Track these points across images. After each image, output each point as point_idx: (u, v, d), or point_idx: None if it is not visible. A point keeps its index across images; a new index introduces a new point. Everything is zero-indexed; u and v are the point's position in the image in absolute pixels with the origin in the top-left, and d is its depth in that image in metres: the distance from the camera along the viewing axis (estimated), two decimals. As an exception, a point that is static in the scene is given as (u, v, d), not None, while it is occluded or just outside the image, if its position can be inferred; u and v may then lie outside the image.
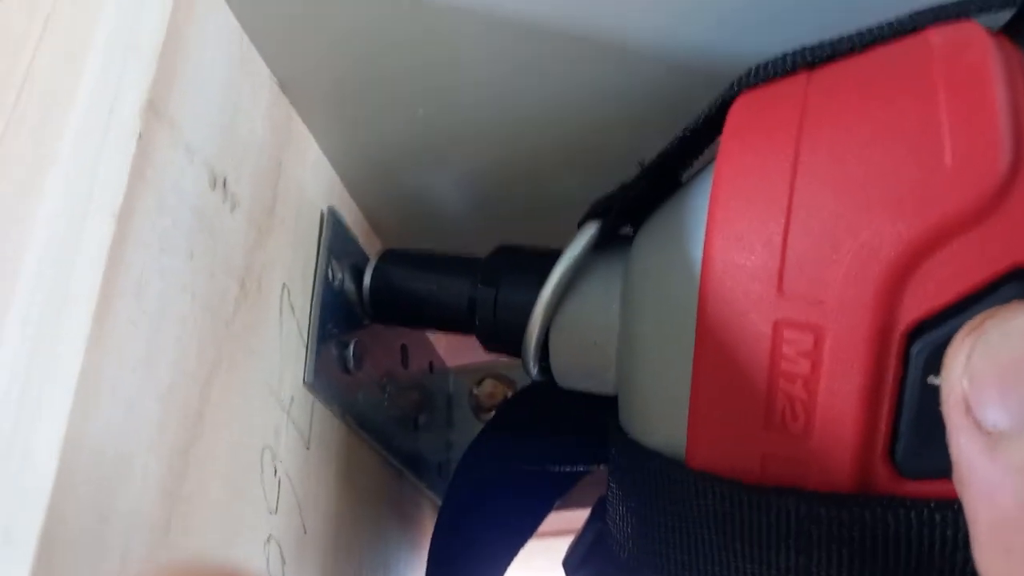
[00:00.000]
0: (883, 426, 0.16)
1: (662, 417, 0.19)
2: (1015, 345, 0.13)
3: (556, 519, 0.29)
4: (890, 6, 0.17)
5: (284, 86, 0.22)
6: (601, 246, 0.21)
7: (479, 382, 0.32)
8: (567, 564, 0.24)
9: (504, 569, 0.26)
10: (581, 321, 0.22)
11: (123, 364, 0.14)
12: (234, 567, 0.16)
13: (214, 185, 0.18)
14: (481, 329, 0.23)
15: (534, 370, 0.23)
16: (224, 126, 0.19)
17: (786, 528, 0.17)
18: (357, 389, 0.24)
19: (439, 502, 0.30)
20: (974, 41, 0.15)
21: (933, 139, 0.15)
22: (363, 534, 0.24)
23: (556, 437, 0.26)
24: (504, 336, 0.23)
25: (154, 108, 0.16)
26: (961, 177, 0.14)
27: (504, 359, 0.33)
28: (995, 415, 0.13)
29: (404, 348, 0.28)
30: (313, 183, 0.24)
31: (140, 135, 0.15)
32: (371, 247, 0.26)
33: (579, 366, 0.22)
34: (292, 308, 0.21)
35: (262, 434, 0.18)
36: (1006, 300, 0.14)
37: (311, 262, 0.22)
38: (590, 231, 0.21)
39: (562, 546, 0.25)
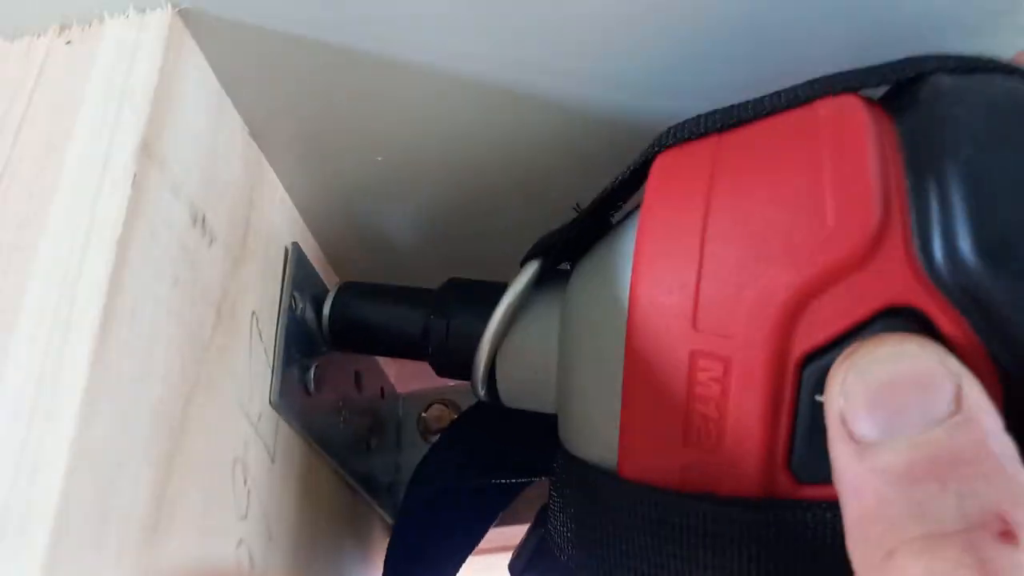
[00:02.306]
0: (782, 440, 0.18)
1: (597, 433, 0.21)
2: (881, 369, 0.16)
3: (498, 536, 0.31)
4: (787, 78, 0.20)
5: (254, 134, 0.24)
6: (542, 281, 0.24)
7: (427, 407, 0.34)
8: (512, 567, 0.26)
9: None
10: (524, 349, 0.24)
11: (121, 380, 0.16)
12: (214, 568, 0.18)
13: (195, 221, 0.20)
14: (434, 356, 0.25)
15: (482, 393, 0.25)
16: (204, 168, 0.21)
17: (703, 529, 0.19)
18: (316, 410, 0.25)
19: (389, 520, 0.32)
20: (854, 116, 0.18)
21: (818, 201, 0.17)
22: (322, 544, 0.26)
23: (498, 453, 0.28)
24: (455, 362, 0.25)
25: (147, 149, 0.18)
26: (841, 234, 0.17)
27: (451, 385, 0.35)
28: (864, 427, 0.16)
29: (358, 374, 0.30)
30: (279, 220, 0.26)
31: (135, 174, 0.17)
32: (330, 280, 0.28)
33: (523, 389, 0.24)
34: (260, 334, 0.22)
35: (233, 447, 0.20)
36: (877, 333, 0.17)
37: (277, 293, 0.24)
38: (532, 268, 0.24)
39: (504, 562, 0.27)
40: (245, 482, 0.20)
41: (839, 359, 0.16)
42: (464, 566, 0.32)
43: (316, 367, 0.25)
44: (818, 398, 0.17)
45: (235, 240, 0.22)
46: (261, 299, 0.23)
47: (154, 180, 0.18)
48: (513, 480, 0.28)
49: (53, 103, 0.19)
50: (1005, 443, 0.15)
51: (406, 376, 0.35)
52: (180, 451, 0.17)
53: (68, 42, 0.20)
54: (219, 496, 0.19)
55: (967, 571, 0.14)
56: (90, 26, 0.20)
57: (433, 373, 0.26)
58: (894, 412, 0.15)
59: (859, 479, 0.15)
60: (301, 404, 0.24)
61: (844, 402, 0.16)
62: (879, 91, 0.20)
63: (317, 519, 0.25)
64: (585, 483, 0.21)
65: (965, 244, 0.16)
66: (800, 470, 0.18)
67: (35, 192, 0.17)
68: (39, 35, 0.21)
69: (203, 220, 0.20)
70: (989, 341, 0.16)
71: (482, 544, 0.30)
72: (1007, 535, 0.14)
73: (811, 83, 0.20)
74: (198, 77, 0.21)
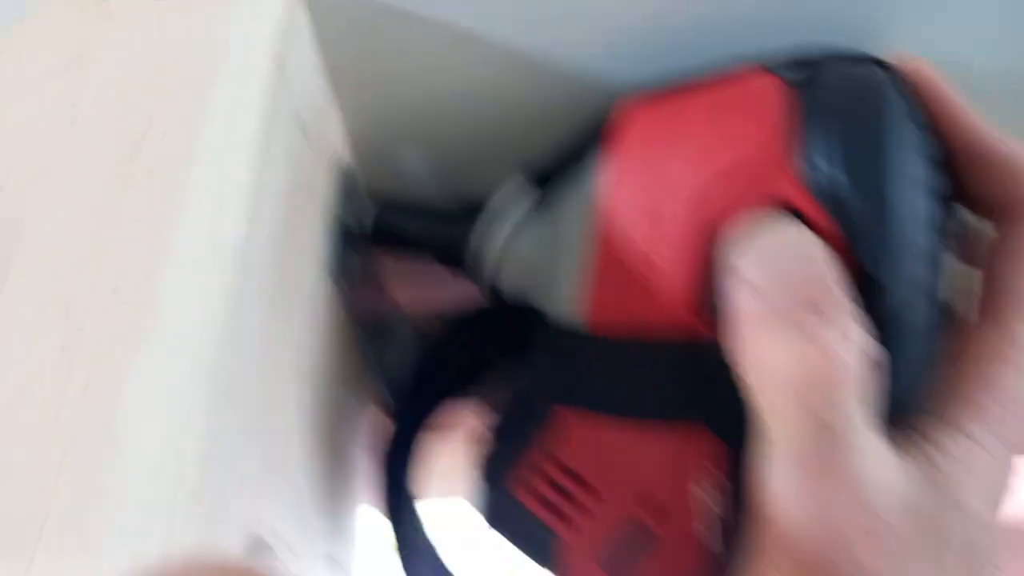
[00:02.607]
0: (701, 292, 0.24)
1: (573, 303, 0.28)
2: (760, 237, 0.24)
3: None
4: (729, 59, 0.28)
5: (332, 78, 0.32)
6: (537, 200, 0.31)
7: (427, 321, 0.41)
8: (490, 427, 0.33)
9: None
10: (523, 253, 0.31)
11: (264, 195, 0.23)
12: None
13: (299, 125, 0.28)
14: (452, 259, 0.32)
15: (487, 287, 0.31)
16: (304, 90, 0.29)
17: (645, 362, 0.26)
18: (353, 291, 0.33)
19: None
20: (767, 86, 0.26)
21: (733, 127, 0.25)
22: (347, 389, 0.33)
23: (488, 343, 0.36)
24: (471, 265, 0.32)
25: (280, 65, 0.26)
26: (745, 143, 0.24)
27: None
28: (750, 272, 0.23)
29: (379, 282, 0.38)
30: (340, 145, 0.34)
31: (275, 79, 0.25)
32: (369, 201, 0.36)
33: (520, 283, 0.31)
34: (327, 218, 0.30)
35: (312, 285, 0.28)
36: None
37: (336, 198, 0.32)
38: (530, 191, 0.32)
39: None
40: (315, 315, 0.28)
41: (739, 230, 0.24)
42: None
43: (356, 260, 0.33)
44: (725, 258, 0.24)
45: (316, 147, 0.30)
46: (327, 196, 0.31)
47: (283, 86, 0.26)
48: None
49: (209, 33, 0.27)
50: (833, 278, 0.22)
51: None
52: (288, 263, 0.25)
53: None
54: (303, 311, 0.26)
55: (795, 338, 0.22)
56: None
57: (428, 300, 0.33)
58: (768, 261, 0.23)
59: (741, 300, 0.23)
60: (347, 282, 0.32)
61: (738, 257, 0.23)
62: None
63: (344, 379, 0.33)
64: (560, 340, 0.28)
65: (828, 163, 0.23)
66: (711, 312, 0.24)
67: (202, 86, 0.25)
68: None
69: (304, 124, 0.28)
70: (841, 226, 0.23)
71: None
72: (822, 317, 0.22)
73: (743, 65, 0.28)
74: (304, 24, 0.29)
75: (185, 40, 0.27)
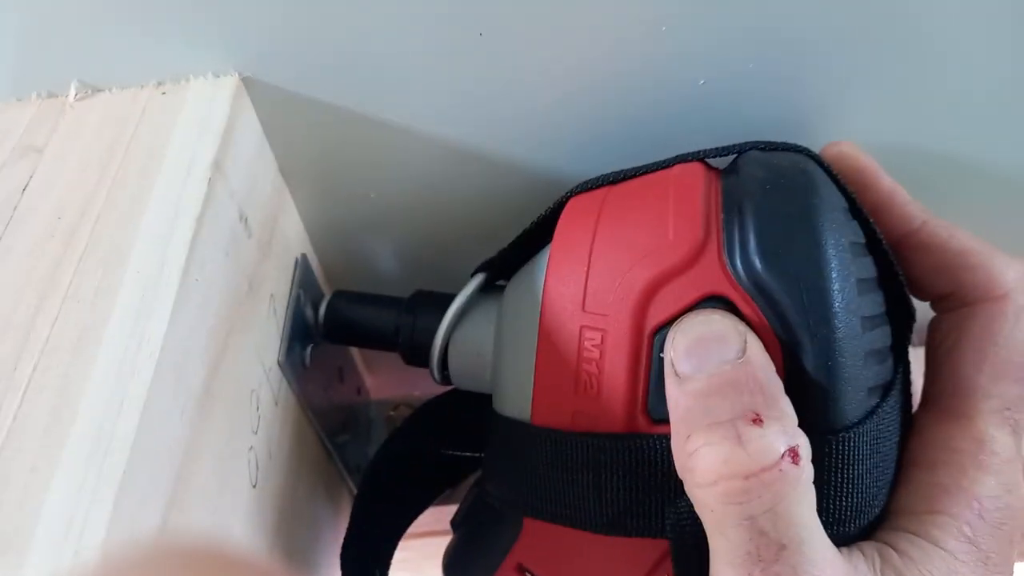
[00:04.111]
0: (641, 389, 0.25)
1: (517, 394, 0.28)
2: (695, 329, 0.24)
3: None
4: (659, 152, 0.29)
5: (282, 169, 0.33)
6: (485, 290, 0.32)
7: (394, 408, 0.41)
8: (453, 523, 0.33)
9: (403, 530, 0.35)
10: (469, 340, 0.31)
11: (190, 303, 0.24)
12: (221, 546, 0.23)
13: (241, 218, 0.28)
14: (402, 347, 0.33)
15: (438, 376, 0.32)
16: (248, 185, 0.29)
17: (586, 456, 0.25)
18: (309, 382, 0.33)
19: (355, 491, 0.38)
20: (692, 175, 0.27)
21: (663, 226, 0.25)
22: (303, 486, 0.33)
23: (448, 431, 0.36)
24: (418, 351, 0.32)
25: (217, 164, 0.26)
26: (676, 246, 0.25)
27: (416, 394, 0.42)
28: (683, 366, 0.23)
29: (341, 369, 0.38)
30: (293, 235, 0.34)
31: (210, 178, 0.26)
32: (325, 287, 0.36)
33: (468, 371, 0.31)
34: (274, 311, 0.31)
35: (251, 381, 0.28)
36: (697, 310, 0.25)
37: (288, 287, 0.32)
38: (477, 280, 0.32)
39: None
40: (258, 408, 0.28)
41: (673, 326, 0.24)
42: (415, 549, 0.39)
43: (312, 349, 0.33)
44: (661, 355, 0.25)
45: (264, 240, 0.30)
46: (276, 287, 0.31)
47: (220, 184, 0.26)
48: (458, 453, 0.35)
49: (153, 132, 0.28)
50: (768, 374, 0.23)
51: (379, 385, 0.43)
52: (219, 370, 0.25)
53: (163, 93, 0.29)
54: (241, 409, 0.26)
55: (729, 440, 0.21)
56: (180, 83, 0.29)
57: (402, 384, 0.33)
58: (702, 356, 0.23)
59: (678, 398, 0.23)
60: (299, 372, 0.32)
61: (672, 351, 0.24)
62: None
63: (300, 467, 0.33)
64: (508, 433, 0.28)
65: (754, 255, 0.24)
66: (653, 411, 0.25)
67: (140, 183, 0.26)
68: (142, 87, 0.29)
69: (246, 220, 0.28)
70: (770, 318, 0.24)
71: (432, 527, 0.37)
72: (757, 421, 0.22)
73: (676, 157, 0.29)
74: (250, 123, 0.30)
75: (133, 136, 0.28)
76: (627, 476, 0.25)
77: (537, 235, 0.30)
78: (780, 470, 0.21)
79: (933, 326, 0.27)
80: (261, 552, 0.28)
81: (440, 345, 0.32)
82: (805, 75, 0.31)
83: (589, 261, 0.26)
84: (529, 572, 0.28)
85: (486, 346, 0.31)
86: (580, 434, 0.26)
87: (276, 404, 0.30)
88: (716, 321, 0.24)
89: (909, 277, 0.27)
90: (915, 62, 0.30)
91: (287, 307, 0.32)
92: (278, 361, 0.30)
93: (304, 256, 0.34)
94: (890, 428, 0.25)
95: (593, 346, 0.26)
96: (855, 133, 0.29)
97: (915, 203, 0.27)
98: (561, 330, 0.26)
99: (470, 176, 0.34)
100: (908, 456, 0.25)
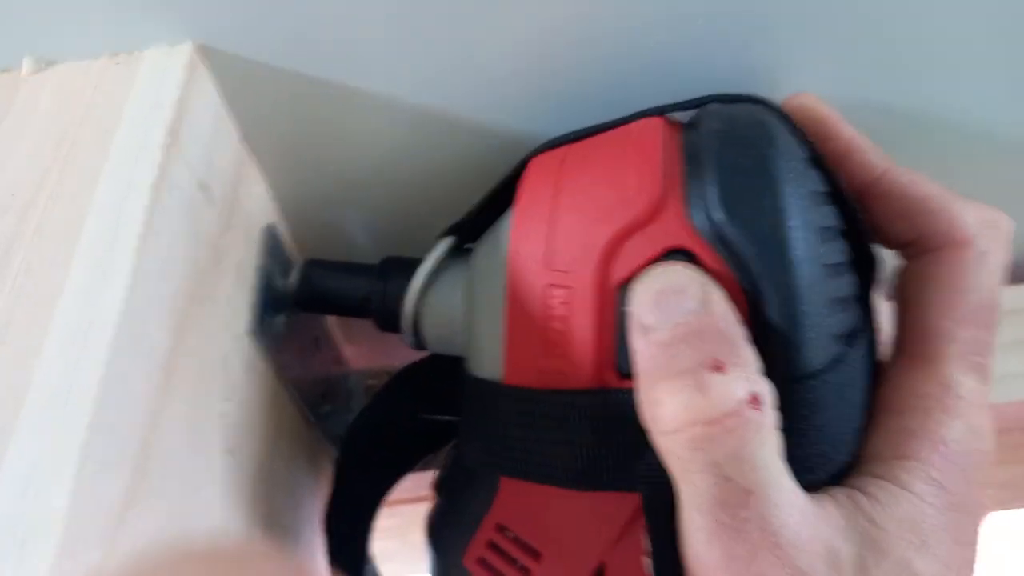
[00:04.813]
0: (608, 344, 0.25)
1: (489, 356, 0.28)
2: (657, 282, 0.24)
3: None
4: (626, 111, 0.29)
5: (244, 137, 0.32)
6: (454, 254, 0.32)
7: (375, 377, 0.41)
8: (434, 487, 0.33)
9: (384, 496, 0.35)
10: (440, 303, 0.31)
11: (150, 272, 0.23)
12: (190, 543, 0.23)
13: (201, 188, 0.28)
14: (375, 313, 0.33)
15: (411, 341, 0.32)
16: (207, 155, 0.29)
17: (558, 413, 0.25)
18: (284, 352, 0.33)
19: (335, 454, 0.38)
20: (652, 129, 0.27)
21: (624, 181, 0.26)
22: (281, 450, 0.33)
23: (424, 395, 0.36)
24: (390, 317, 0.32)
25: (172, 134, 0.26)
26: (638, 200, 0.25)
27: (396, 364, 0.42)
28: (647, 318, 0.23)
29: (317, 339, 0.38)
30: (259, 206, 0.34)
31: (163, 147, 0.25)
32: (295, 258, 0.36)
33: (440, 335, 0.31)
34: (243, 280, 0.30)
35: (219, 349, 0.28)
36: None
37: (255, 258, 0.32)
38: (446, 243, 0.32)
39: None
40: (229, 376, 0.27)
41: (636, 279, 0.24)
42: (400, 515, 0.39)
43: (285, 318, 0.33)
44: (626, 308, 0.25)
45: (226, 209, 0.30)
46: (243, 258, 0.31)
47: (175, 152, 0.26)
48: (437, 417, 0.35)
49: (106, 103, 0.27)
50: (730, 323, 0.23)
51: (358, 355, 0.43)
52: (187, 334, 0.25)
53: (117, 63, 0.28)
54: (210, 375, 0.26)
55: (691, 387, 0.21)
56: (134, 54, 0.29)
57: (381, 354, 0.33)
58: (664, 307, 0.23)
59: (642, 350, 0.23)
60: (271, 341, 0.32)
61: (636, 304, 0.24)
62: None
63: (278, 436, 0.33)
64: (481, 394, 0.28)
65: (714, 206, 0.24)
66: (622, 366, 0.25)
67: (94, 155, 0.25)
68: (96, 58, 0.29)
69: (207, 189, 0.28)
70: (733, 268, 0.24)
71: (417, 493, 0.37)
72: (719, 368, 0.22)
73: (637, 112, 0.29)
74: (207, 92, 0.30)
75: (87, 109, 0.27)
76: (598, 431, 0.25)
77: (502, 196, 0.30)
78: (742, 416, 0.21)
79: (899, 274, 0.27)
80: (238, 521, 0.28)
81: (411, 310, 0.31)
82: (764, 28, 0.30)
83: (551, 219, 0.26)
84: (509, 531, 0.28)
85: (456, 309, 0.31)
86: (551, 391, 0.26)
87: (248, 372, 0.30)
88: (678, 273, 0.24)
89: (873, 226, 0.27)
90: (871, 17, 0.30)
91: (255, 275, 0.32)
92: (247, 331, 0.30)
93: (272, 226, 0.34)
94: (857, 375, 0.25)
95: (560, 303, 0.26)
96: (817, 86, 0.29)
97: (876, 151, 0.27)
98: (528, 289, 0.26)
99: (439, 142, 0.34)
100: (878, 403, 0.26)
